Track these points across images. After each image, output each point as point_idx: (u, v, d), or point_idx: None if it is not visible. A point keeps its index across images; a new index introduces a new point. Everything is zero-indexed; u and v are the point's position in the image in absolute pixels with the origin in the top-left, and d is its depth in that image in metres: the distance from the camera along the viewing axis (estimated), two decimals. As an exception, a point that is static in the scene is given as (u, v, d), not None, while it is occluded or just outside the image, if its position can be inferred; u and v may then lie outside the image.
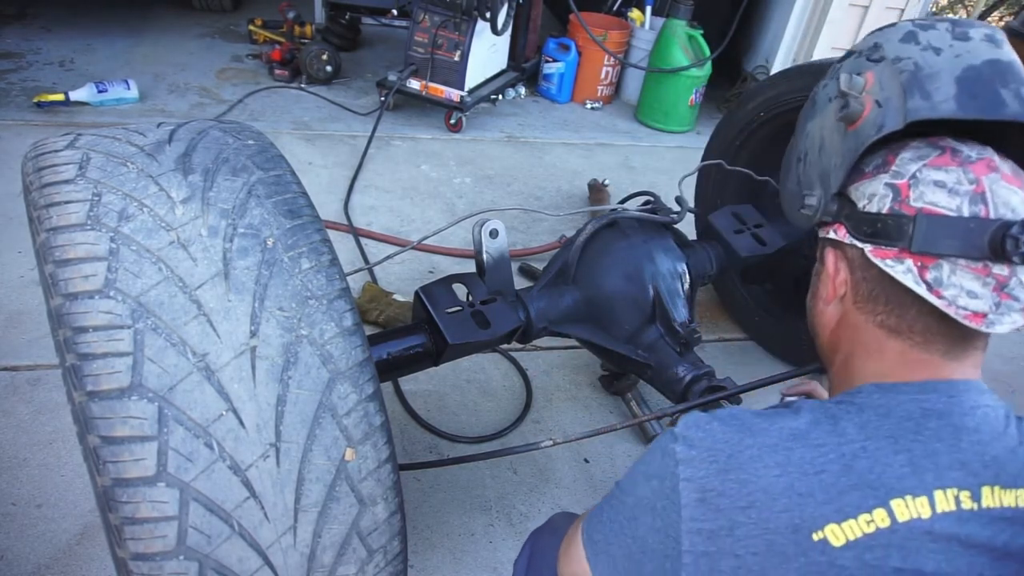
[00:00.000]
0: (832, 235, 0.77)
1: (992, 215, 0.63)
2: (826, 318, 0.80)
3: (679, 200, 1.60)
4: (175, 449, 0.68)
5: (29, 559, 1.37)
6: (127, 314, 0.69)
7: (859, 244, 0.72)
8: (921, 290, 0.66)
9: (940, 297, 0.65)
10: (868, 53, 0.77)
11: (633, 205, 1.66)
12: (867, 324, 0.73)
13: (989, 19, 7.06)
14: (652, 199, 1.64)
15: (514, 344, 1.45)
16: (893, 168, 0.70)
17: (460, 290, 1.36)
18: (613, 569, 0.73)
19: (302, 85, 3.58)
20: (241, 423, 0.71)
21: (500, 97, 3.83)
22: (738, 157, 2.04)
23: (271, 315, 0.75)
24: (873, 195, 0.71)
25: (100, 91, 3.05)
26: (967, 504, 0.61)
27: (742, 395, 1.32)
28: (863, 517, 0.61)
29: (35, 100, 2.93)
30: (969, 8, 6.56)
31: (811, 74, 1.83)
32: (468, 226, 2.43)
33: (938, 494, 0.61)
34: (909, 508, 0.61)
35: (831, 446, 0.64)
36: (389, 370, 1.29)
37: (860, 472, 0.62)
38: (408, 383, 1.91)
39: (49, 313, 0.88)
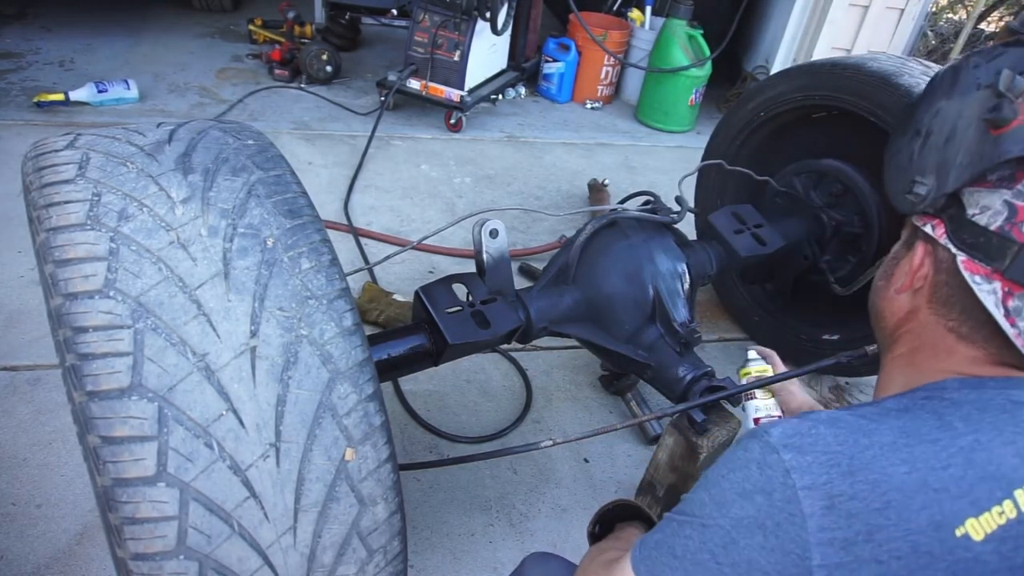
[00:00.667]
0: (929, 230, 0.73)
1: None
2: (895, 305, 0.78)
3: (679, 200, 1.60)
4: (175, 449, 0.68)
5: (29, 559, 1.37)
6: (127, 314, 0.69)
7: (954, 250, 0.69)
8: (998, 315, 0.66)
9: (1013, 326, 0.65)
10: None
11: (633, 205, 1.66)
12: (938, 326, 0.72)
13: (989, 19, 7.06)
14: (652, 199, 1.64)
15: (514, 344, 1.45)
16: (1019, 187, 0.66)
17: (460, 290, 1.36)
18: None
19: (302, 85, 3.58)
20: (241, 423, 0.71)
21: (500, 97, 3.83)
22: (738, 157, 2.04)
23: (271, 315, 0.75)
24: (987, 208, 0.68)
25: (100, 91, 3.05)
26: None
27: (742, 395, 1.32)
28: (995, 509, 0.60)
29: (35, 100, 2.93)
30: (969, 8, 6.56)
31: (811, 74, 1.83)
32: (468, 226, 2.43)
33: None
34: None
35: (947, 440, 0.63)
36: (389, 370, 1.29)
37: (982, 464, 0.61)
38: (408, 383, 1.91)
39: (49, 313, 0.88)
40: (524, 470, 1.75)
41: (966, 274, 0.67)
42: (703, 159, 2.18)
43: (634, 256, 1.49)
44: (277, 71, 3.60)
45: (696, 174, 2.17)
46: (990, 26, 7.00)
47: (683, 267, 1.53)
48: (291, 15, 3.82)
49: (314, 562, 0.76)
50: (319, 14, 4.17)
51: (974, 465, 0.61)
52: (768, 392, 1.34)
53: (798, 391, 1.36)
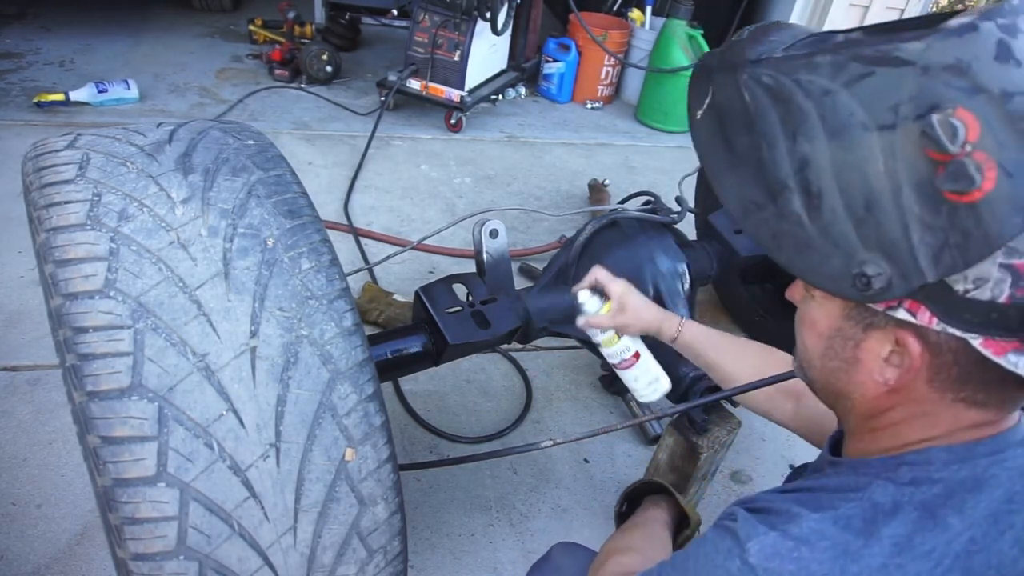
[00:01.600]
0: (906, 316, 0.58)
1: None
2: (867, 390, 0.65)
3: (679, 200, 1.60)
4: (175, 449, 0.68)
5: (29, 559, 1.37)
6: (127, 314, 0.69)
7: (960, 334, 0.56)
8: None
9: None
10: (950, 78, 0.52)
11: (633, 205, 1.66)
12: (942, 400, 0.62)
13: (989, 19, 7.06)
14: (652, 199, 1.64)
15: (514, 344, 1.45)
16: (1009, 243, 0.54)
17: (460, 290, 1.36)
18: None
19: (302, 85, 3.58)
20: (241, 423, 0.71)
21: (500, 97, 3.83)
22: (738, 157, 2.04)
23: (271, 315, 0.75)
24: (982, 280, 0.54)
25: (100, 91, 3.05)
26: None
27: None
28: None
29: (35, 100, 2.93)
30: (969, 8, 6.57)
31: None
32: (468, 226, 2.43)
33: None
34: None
35: (941, 548, 0.57)
36: (389, 370, 1.29)
37: (980, 572, 0.57)
38: (408, 383, 1.91)
39: (49, 313, 0.88)
40: (524, 470, 1.75)
41: (993, 357, 0.56)
42: (703, 159, 2.17)
43: (634, 256, 1.49)
44: (277, 71, 3.60)
45: (696, 174, 2.17)
46: (990, 26, 6.99)
47: (683, 267, 1.53)
48: (291, 15, 3.82)
49: (314, 562, 0.76)
50: (319, 14, 4.17)
51: (973, 575, 0.57)
52: (614, 337, 1.28)
53: (642, 306, 1.24)
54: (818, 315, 0.68)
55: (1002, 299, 0.54)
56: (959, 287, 0.55)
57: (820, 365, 0.70)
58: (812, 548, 0.58)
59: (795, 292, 0.74)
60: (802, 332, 0.71)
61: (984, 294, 0.54)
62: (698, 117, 0.71)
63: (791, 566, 0.57)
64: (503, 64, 3.73)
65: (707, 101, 0.69)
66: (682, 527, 1.06)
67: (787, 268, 0.64)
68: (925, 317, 0.57)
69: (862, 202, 0.56)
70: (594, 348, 1.54)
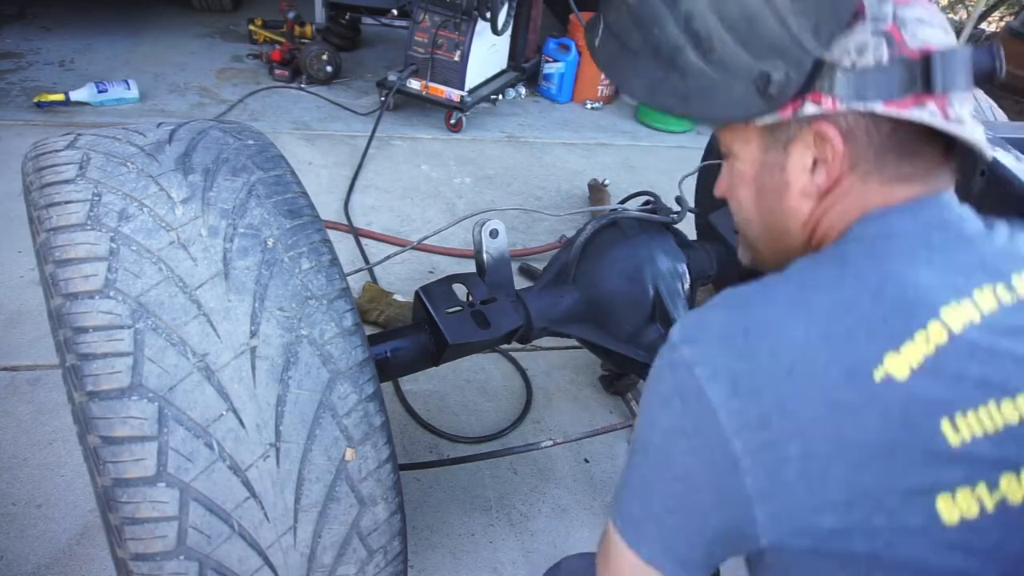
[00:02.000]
0: (813, 110, 0.63)
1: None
2: (803, 208, 0.69)
3: (679, 200, 1.60)
4: (175, 449, 0.68)
5: (29, 559, 1.37)
6: (127, 314, 0.70)
7: (864, 107, 0.61)
8: (953, 127, 0.61)
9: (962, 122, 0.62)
10: None
11: (633, 205, 1.66)
12: (870, 186, 0.65)
13: (989, 19, 7.06)
14: (652, 199, 1.64)
15: (514, 344, 1.45)
16: (867, 12, 0.62)
17: (460, 290, 1.36)
18: (661, 531, 0.62)
19: (302, 85, 3.58)
20: (241, 423, 0.71)
21: (500, 97, 3.83)
22: (738, 157, 2.04)
23: (271, 315, 0.75)
24: (863, 47, 0.61)
25: (100, 91, 3.05)
26: (1005, 297, 0.57)
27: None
28: (919, 336, 0.54)
29: (35, 100, 2.93)
30: (969, 8, 6.56)
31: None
32: (468, 226, 2.43)
33: (976, 293, 0.56)
34: (960, 315, 0.55)
35: (851, 279, 0.58)
36: (389, 370, 1.29)
37: (893, 297, 0.56)
38: (408, 383, 1.91)
39: (49, 313, 0.88)
40: (524, 470, 1.75)
41: (898, 113, 0.61)
42: (703, 159, 2.18)
43: (634, 256, 1.48)
44: (277, 71, 3.60)
45: (696, 174, 2.17)
46: (991, 26, 7.00)
47: (683, 267, 1.53)
48: (291, 15, 3.81)
49: (314, 562, 0.76)
50: (319, 14, 4.17)
51: (884, 300, 0.56)
52: None
53: None
54: (743, 166, 0.73)
55: (885, 60, 0.61)
56: (847, 62, 0.62)
57: (756, 210, 0.75)
58: (719, 308, 0.62)
59: (720, 182, 0.80)
60: (736, 195, 0.77)
61: (869, 60, 0.61)
62: (597, 44, 0.82)
63: (703, 326, 0.61)
64: (503, 64, 3.73)
65: (600, 28, 0.81)
66: None
67: (703, 121, 0.74)
68: (829, 103, 0.63)
69: (743, 22, 0.65)
70: (595, 348, 1.54)
